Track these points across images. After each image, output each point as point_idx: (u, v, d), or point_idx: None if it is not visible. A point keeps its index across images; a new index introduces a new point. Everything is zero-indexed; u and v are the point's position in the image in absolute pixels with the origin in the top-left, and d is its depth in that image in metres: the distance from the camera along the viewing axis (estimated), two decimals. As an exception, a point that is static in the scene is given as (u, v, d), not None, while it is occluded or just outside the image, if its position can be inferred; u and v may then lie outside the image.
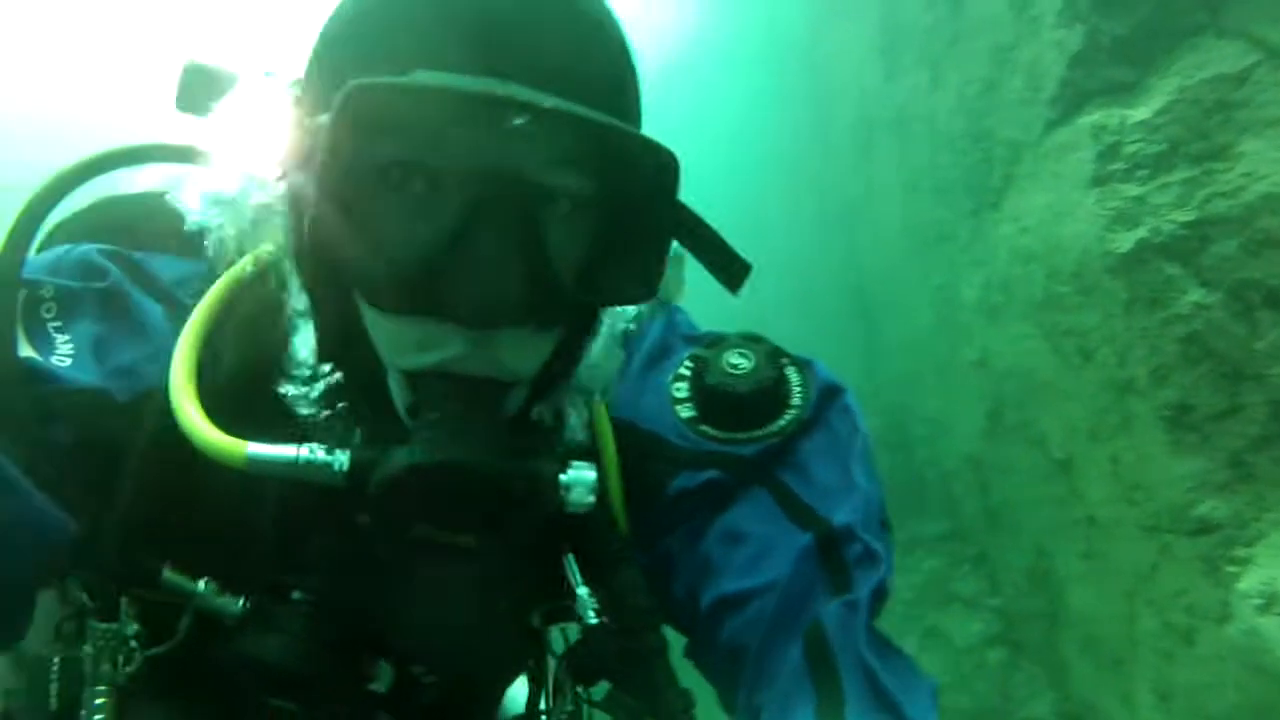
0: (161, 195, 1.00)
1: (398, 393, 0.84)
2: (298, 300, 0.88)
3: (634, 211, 0.83)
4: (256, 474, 0.85)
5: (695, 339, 1.12)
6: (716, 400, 1.03)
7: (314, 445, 0.84)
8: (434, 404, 0.81)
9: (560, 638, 1.13)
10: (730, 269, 0.91)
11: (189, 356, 0.91)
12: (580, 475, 0.86)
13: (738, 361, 1.04)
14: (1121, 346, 3.35)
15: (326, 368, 0.87)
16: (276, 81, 0.86)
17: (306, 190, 0.77)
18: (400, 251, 0.77)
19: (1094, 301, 3.47)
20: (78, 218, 1.12)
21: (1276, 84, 3.09)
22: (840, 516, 0.96)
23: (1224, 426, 3.06)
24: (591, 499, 0.87)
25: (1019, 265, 4.15)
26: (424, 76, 0.73)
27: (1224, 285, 3.04)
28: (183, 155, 1.02)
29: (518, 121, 0.72)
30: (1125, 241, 3.23)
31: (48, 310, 0.93)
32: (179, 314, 0.97)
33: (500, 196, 0.75)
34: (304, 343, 0.88)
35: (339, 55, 0.81)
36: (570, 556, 0.98)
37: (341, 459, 0.83)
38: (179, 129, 1.00)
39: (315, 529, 0.93)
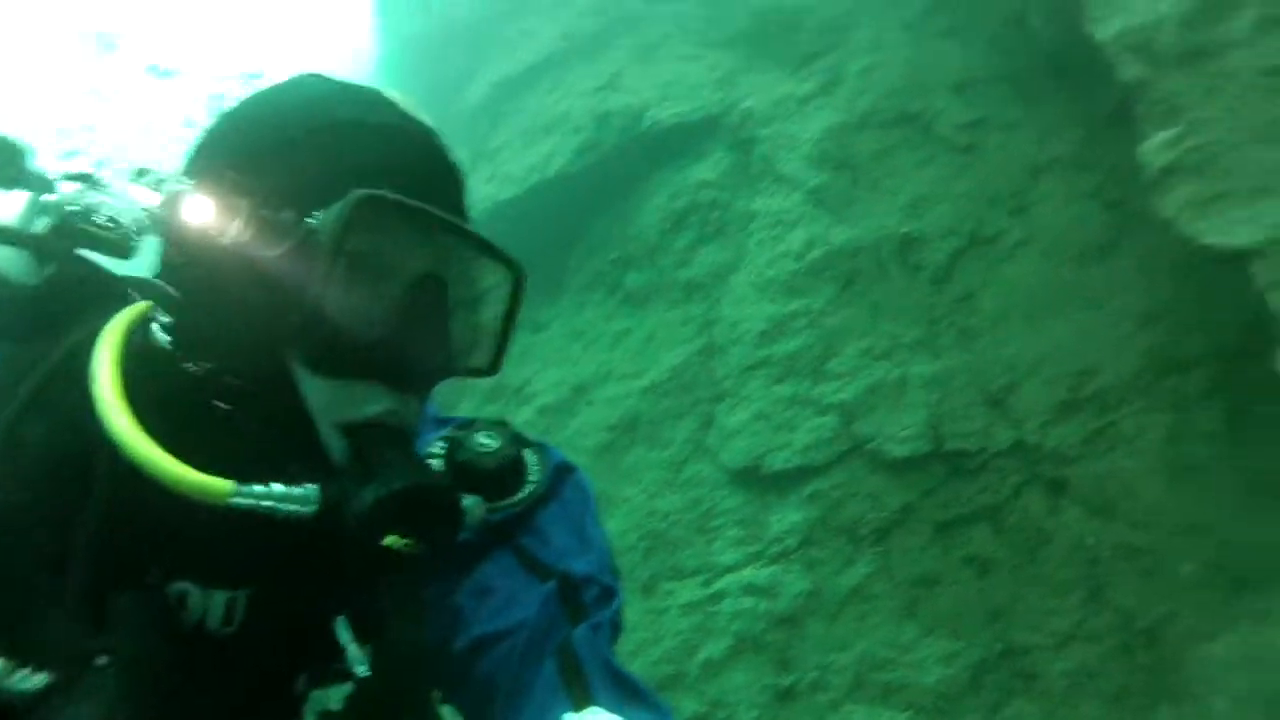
0: None
1: (334, 441, 0.96)
2: (200, 364, 0.97)
3: (497, 305, 1.05)
4: (236, 509, 0.90)
5: (444, 421, 1.24)
6: (467, 474, 1.12)
7: (277, 483, 0.92)
8: (379, 447, 0.95)
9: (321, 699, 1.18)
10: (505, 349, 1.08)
11: (123, 408, 0.93)
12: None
13: (486, 442, 1.14)
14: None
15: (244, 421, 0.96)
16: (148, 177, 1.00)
17: (272, 270, 0.90)
18: (359, 329, 0.93)
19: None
20: None
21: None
22: (578, 567, 1.10)
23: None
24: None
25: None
26: (400, 197, 0.91)
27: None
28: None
29: (452, 238, 0.96)
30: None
31: None
32: None
33: (436, 292, 0.96)
34: (215, 400, 0.96)
35: (301, 164, 0.95)
36: (341, 618, 1.06)
37: (311, 492, 0.93)
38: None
39: (118, 587, 0.94)
